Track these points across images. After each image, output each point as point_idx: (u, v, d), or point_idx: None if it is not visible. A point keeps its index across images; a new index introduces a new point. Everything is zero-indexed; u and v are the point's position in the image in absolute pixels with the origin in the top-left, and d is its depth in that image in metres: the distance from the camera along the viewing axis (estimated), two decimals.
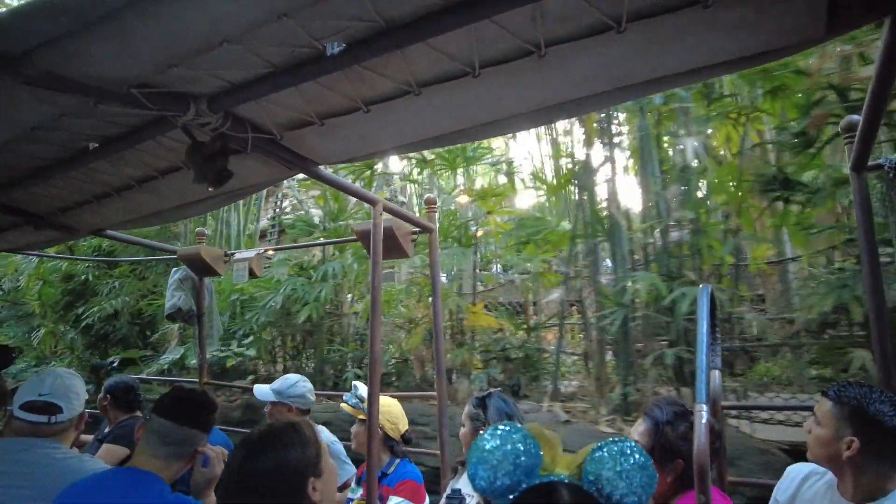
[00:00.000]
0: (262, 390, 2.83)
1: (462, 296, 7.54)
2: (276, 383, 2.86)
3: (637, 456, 0.78)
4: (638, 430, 1.81)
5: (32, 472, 1.63)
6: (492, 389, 2.39)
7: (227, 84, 1.58)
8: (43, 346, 10.65)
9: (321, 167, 2.16)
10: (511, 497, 0.79)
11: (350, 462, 3.04)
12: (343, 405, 2.82)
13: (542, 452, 0.81)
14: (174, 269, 3.81)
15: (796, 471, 1.89)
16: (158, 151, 2.07)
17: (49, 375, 1.81)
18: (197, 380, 4.12)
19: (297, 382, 2.89)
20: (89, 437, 3.08)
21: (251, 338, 8.15)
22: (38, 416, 1.72)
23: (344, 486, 2.94)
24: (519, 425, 0.84)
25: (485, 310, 7.19)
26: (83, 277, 9.86)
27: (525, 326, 7.61)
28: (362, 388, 2.69)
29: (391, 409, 2.67)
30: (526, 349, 7.18)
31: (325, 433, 2.85)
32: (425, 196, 3.07)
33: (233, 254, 3.66)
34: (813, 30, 1.22)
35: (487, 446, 0.81)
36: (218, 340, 4.32)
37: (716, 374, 2.12)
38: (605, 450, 0.79)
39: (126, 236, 3.59)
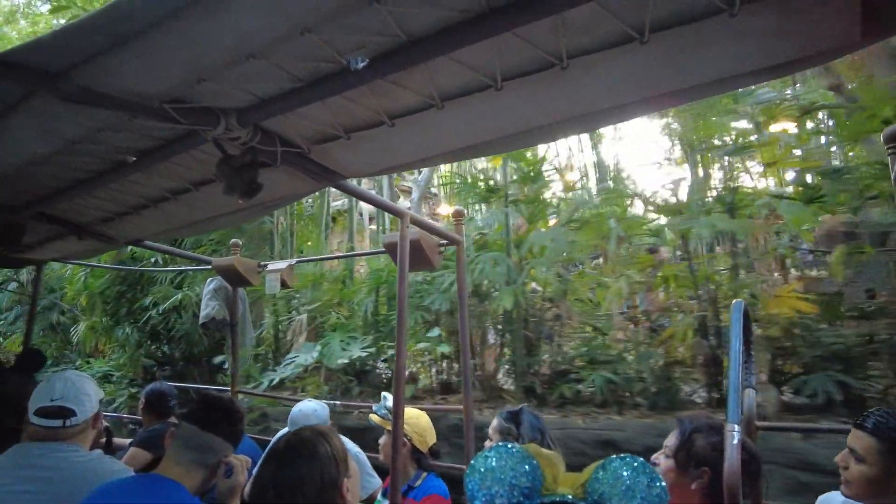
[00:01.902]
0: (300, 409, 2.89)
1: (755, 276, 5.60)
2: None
3: (643, 473, 0.75)
4: (669, 439, 1.77)
5: (52, 476, 1.65)
6: (522, 405, 2.35)
7: (256, 99, 1.62)
8: (84, 344, 10.07)
9: (348, 180, 2.19)
10: None
11: (375, 474, 3.03)
12: (372, 416, 2.82)
13: (542, 472, 0.78)
14: (208, 279, 3.91)
15: (827, 502, 1.79)
16: (191, 164, 2.13)
17: (58, 380, 1.83)
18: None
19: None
20: (125, 441, 3.16)
21: (437, 331, 6.49)
22: (53, 421, 1.74)
23: (369, 500, 2.93)
24: (516, 445, 0.82)
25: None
26: (144, 262, 8.63)
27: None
28: (391, 399, 2.69)
29: (419, 422, 2.65)
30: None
31: (347, 444, 2.86)
32: (455, 208, 3.06)
33: (265, 265, 3.74)
34: (847, 36, 1.18)
35: (483, 468, 0.80)
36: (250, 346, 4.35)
37: (750, 392, 2.05)
38: (608, 467, 0.77)
39: (163, 246, 3.70)
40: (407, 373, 6.93)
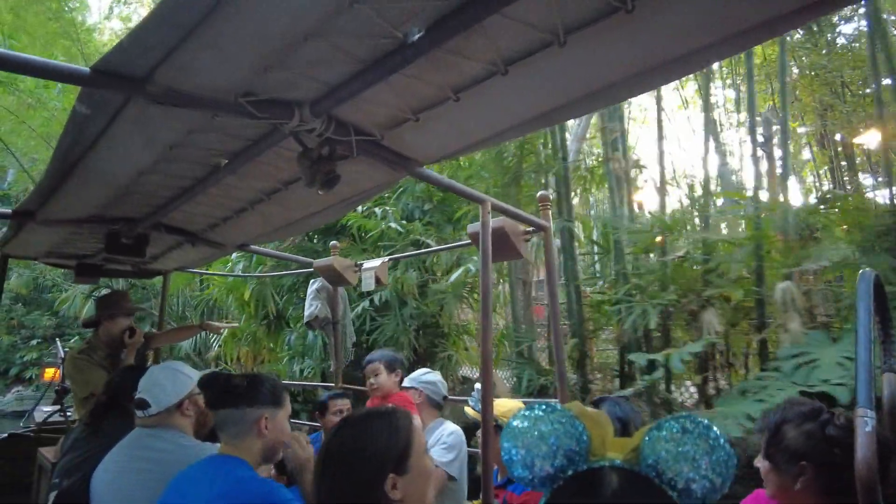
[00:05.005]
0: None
1: None
2: (413, 373, 3.09)
3: (705, 434, 0.63)
4: (763, 437, 1.56)
5: (157, 457, 1.84)
6: (606, 395, 2.21)
7: (324, 86, 1.65)
8: (227, 353, 9.44)
9: (424, 167, 2.18)
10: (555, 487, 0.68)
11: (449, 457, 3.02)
12: (468, 409, 2.80)
13: (587, 435, 0.69)
14: (312, 279, 4.09)
15: None
16: (278, 163, 2.23)
17: (145, 376, 2.04)
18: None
19: (429, 372, 3.08)
20: None
21: None
22: (138, 412, 1.96)
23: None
24: (557, 404, 0.72)
25: None
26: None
27: None
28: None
29: (514, 412, 2.59)
30: None
31: (453, 425, 2.85)
32: (540, 193, 2.96)
33: (361, 264, 3.85)
34: None
35: (521, 428, 0.71)
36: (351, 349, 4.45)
37: (891, 377, 1.75)
38: (664, 428, 0.65)
39: (265, 250, 3.93)
40: None
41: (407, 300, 7.24)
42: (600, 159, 8.93)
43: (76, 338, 13.47)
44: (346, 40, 1.40)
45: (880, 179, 10.74)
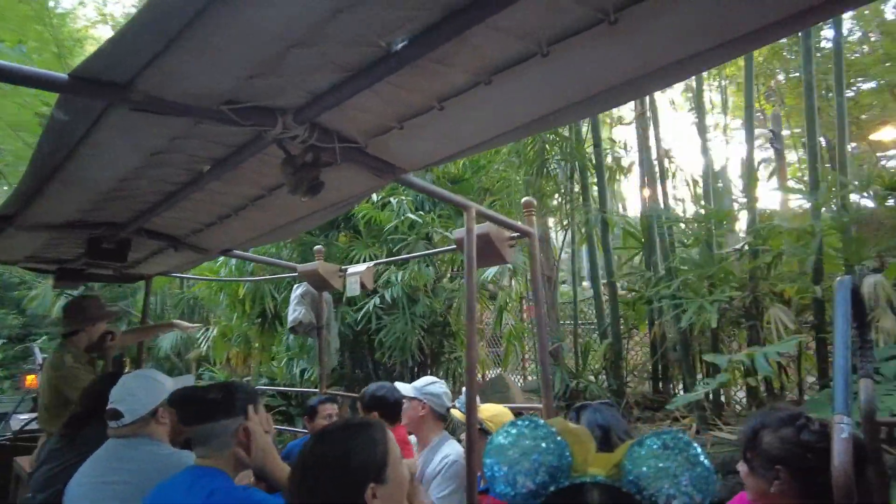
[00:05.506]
0: (404, 387, 3.02)
1: None
2: (417, 382, 3.04)
3: (686, 450, 0.64)
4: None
5: (137, 468, 1.80)
6: (590, 402, 2.21)
7: (308, 94, 1.64)
8: (216, 354, 9.06)
9: (409, 174, 2.17)
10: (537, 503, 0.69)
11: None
12: (454, 412, 2.79)
13: (570, 451, 0.69)
14: (296, 285, 4.07)
15: None
16: (263, 169, 2.21)
17: (117, 385, 1.99)
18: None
19: (433, 382, 3.02)
20: None
21: None
22: (111, 422, 1.91)
23: None
24: (540, 420, 0.73)
25: None
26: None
27: None
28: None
29: (501, 419, 2.58)
30: None
31: (456, 446, 2.82)
32: (524, 199, 2.96)
33: (346, 269, 3.84)
34: None
35: (502, 441, 0.71)
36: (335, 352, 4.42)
37: (867, 383, 1.78)
38: (645, 444, 0.66)
39: (250, 255, 3.90)
40: None
41: (418, 298, 6.96)
42: (627, 149, 8.69)
43: (44, 337, 12.98)
44: (332, 48, 1.39)
45: None
